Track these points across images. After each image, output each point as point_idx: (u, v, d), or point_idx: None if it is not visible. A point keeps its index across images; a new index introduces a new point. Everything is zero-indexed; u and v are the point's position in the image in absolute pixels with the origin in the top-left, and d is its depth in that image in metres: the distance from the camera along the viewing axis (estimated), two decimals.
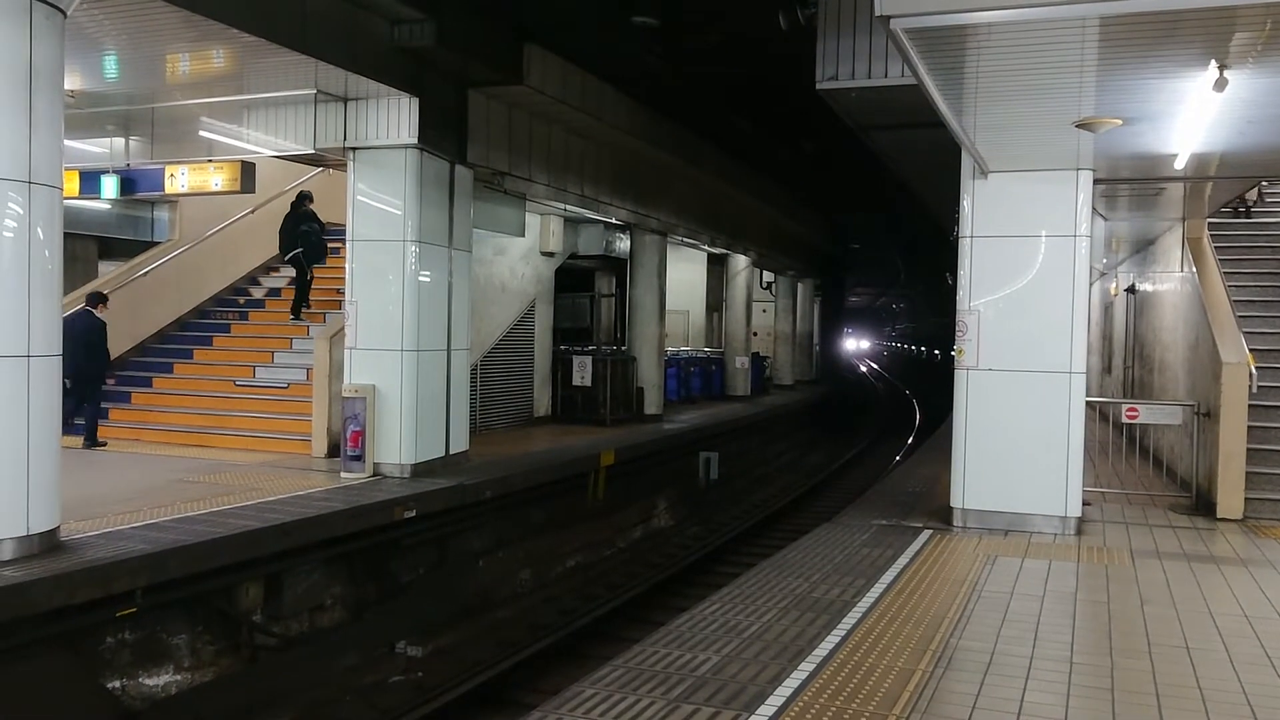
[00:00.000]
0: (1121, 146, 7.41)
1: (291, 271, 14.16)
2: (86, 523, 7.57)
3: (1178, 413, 9.72)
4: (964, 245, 8.61)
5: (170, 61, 9.00)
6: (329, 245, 14.07)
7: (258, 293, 15.53)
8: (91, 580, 6.35)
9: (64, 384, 10.55)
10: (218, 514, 8.10)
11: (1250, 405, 8.86)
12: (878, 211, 28.41)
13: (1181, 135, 6.92)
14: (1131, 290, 15.27)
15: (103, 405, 12.11)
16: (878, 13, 4.57)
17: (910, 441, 27.92)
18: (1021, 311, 8.43)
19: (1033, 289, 8.40)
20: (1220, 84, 5.32)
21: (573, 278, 21.29)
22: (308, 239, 13.59)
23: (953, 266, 8.94)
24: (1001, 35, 4.98)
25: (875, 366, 69.51)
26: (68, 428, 11.13)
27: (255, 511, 8.24)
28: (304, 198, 13.85)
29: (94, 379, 11.51)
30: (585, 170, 14.47)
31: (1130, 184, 9.35)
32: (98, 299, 11.82)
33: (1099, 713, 4.49)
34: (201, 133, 10.94)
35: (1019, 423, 8.40)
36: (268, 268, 16.09)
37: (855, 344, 69.87)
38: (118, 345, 13.79)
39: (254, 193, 12.61)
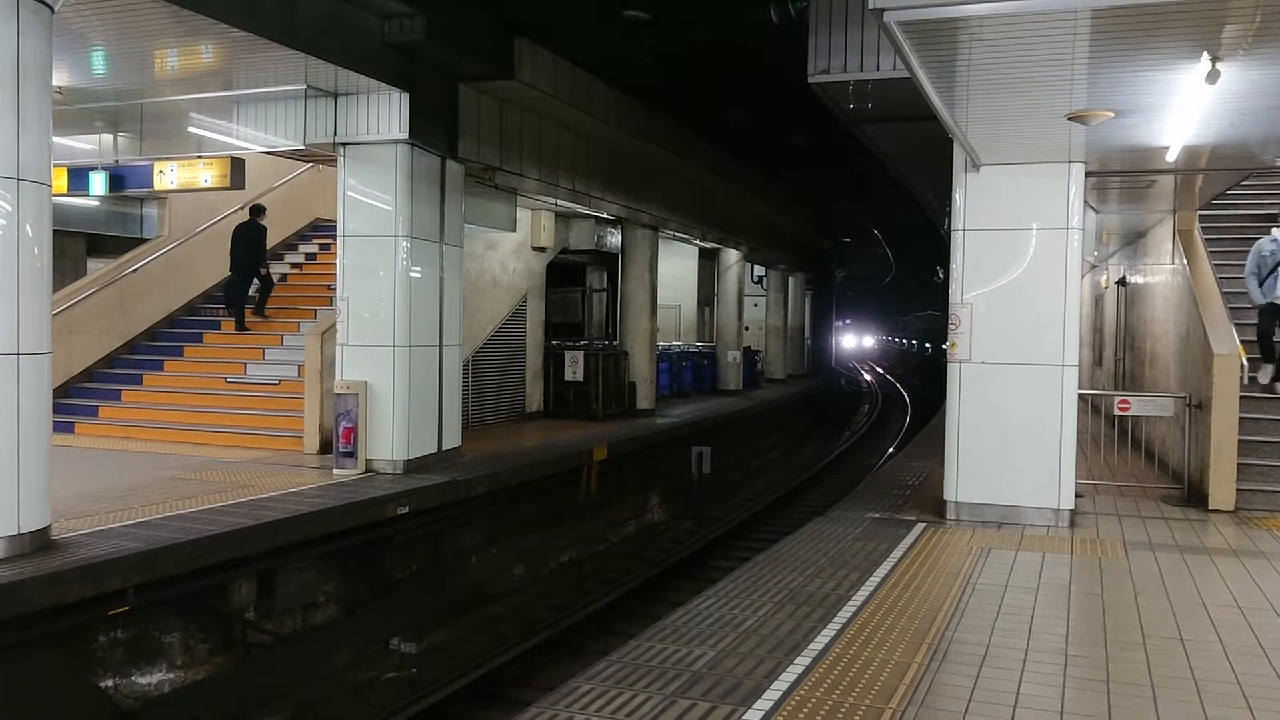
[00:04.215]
0: (1113, 139, 7.42)
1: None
2: (78, 521, 7.54)
3: (1169, 405, 9.76)
4: (956, 238, 8.62)
5: (159, 57, 8.94)
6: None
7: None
8: (83, 579, 6.32)
9: (232, 279, 14.01)
10: (210, 511, 8.07)
11: (1242, 396, 8.90)
12: (869, 205, 28.40)
13: (1173, 127, 6.93)
14: (1123, 283, 15.32)
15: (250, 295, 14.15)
16: (871, 6, 4.57)
17: (904, 425, 28.03)
18: (1013, 305, 8.44)
19: (1025, 282, 8.41)
20: (1212, 76, 5.33)
21: (564, 273, 21.26)
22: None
23: (944, 260, 8.94)
24: (994, 28, 4.99)
25: (869, 363, 69.37)
26: (226, 314, 14.16)
27: (247, 509, 8.20)
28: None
29: (255, 273, 13.97)
30: (576, 165, 14.44)
31: (1122, 176, 9.37)
32: (259, 210, 14.05)
33: (1094, 704, 4.50)
34: (191, 129, 10.86)
35: (1011, 416, 8.42)
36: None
37: (849, 339, 69.31)
38: (107, 344, 13.86)
39: (244, 189, 12.56)
